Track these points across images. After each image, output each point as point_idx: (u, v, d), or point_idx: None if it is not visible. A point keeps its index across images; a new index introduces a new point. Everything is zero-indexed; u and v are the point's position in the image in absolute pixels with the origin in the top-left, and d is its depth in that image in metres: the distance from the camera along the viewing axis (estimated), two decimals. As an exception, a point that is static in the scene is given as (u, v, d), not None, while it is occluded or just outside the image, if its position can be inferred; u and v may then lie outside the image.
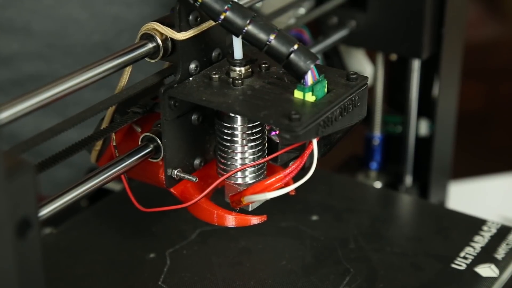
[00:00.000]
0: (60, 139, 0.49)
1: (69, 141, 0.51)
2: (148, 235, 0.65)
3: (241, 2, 0.52)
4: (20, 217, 0.40)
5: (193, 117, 0.55)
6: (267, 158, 0.55)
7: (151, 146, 0.54)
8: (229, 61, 0.53)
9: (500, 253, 0.62)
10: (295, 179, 0.52)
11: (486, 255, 0.62)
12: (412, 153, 0.80)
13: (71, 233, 0.65)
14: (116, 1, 0.84)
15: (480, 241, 0.64)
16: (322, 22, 0.76)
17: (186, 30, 0.52)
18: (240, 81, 0.52)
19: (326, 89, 0.51)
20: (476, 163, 1.39)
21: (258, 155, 0.55)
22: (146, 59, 0.53)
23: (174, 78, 0.53)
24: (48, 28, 0.84)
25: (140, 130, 0.55)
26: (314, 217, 0.67)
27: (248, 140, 0.54)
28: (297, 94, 0.51)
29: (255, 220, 0.55)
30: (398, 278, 0.60)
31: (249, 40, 0.51)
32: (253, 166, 0.55)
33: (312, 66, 0.50)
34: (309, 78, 0.50)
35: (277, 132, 0.56)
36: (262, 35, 0.50)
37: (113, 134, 0.55)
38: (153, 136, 0.54)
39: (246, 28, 0.50)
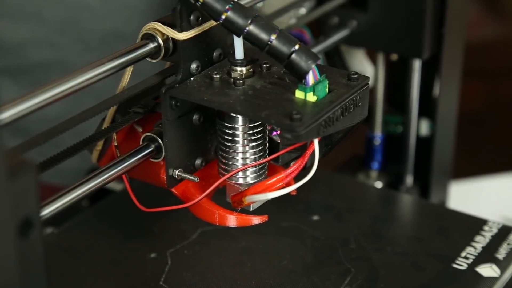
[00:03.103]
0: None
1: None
2: (149, 235, 0.65)
3: (242, 2, 0.52)
4: (22, 217, 0.40)
5: (194, 117, 0.55)
6: (268, 158, 0.55)
7: (152, 146, 0.54)
8: (230, 61, 0.53)
9: (501, 253, 0.62)
10: (296, 179, 0.52)
11: (487, 255, 0.62)
12: (413, 153, 0.80)
13: (72, 233, 0.65)
14: None
15: (481, 241, 0.64)
16: (323, 22, 0.76)
17: (187, 30, 0.52)
18: (241, 81, 0.52)
19: (327, 89, 0.51)
20: (477, 163, 1.39)
21: (259, 155, 0.55)
22: (147, 59, 0.53)
23: (175, 78, 0.53)
24: (59, 15, 0.84)
25: (141, 130, 0.56)
26: (315, 217, 0.67)
27: (249, 140, 0.54)
28: (298, 94, 0.51)
29: (256, 220, 0.55)
30: (399, 278, 0.60)
31: (250, 40, 0.51)
32: (254, 166, 0.55)
33: (313, 66, 0.50)
34: (310, 78, 0.50)
35: (278, 132, 0.56)
36: (263, 35, 0.50)
37: (115, 134, 0.55)
38: (154, 136, 0.54)
39: (247, 28, 0.50)
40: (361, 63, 0.79)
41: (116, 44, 0.85)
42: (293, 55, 0.50)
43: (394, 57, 0.78)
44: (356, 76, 0.53)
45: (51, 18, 0.84)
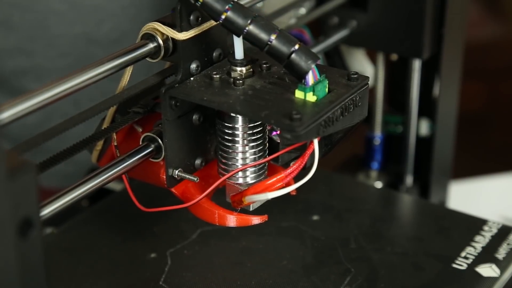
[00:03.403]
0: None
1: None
2: (149, 235, 0.65)
3: (242, 2, 0.52)
4: (21, 217, 0.40)
5: (194, 117, 0.55)
6: (268, 158, 0.55)
7: (152, 146, 0.54)
8: (230, 61, 0.53)
9: (501, 253, 0.62)
10: (296, 179, 0.52)
11: (487, 255, 0.62)
12: (413, 153, 0.80)
13: (72, 233, 0.65)
14: None
15: (481, 241, 0.64)
16: (323, 22, 0.76)
17: (187, 30, 0.52)
18: (241, 81, 0.52)
19: (327, 89, 0.51)
20: (476, 163, 1.40)
21: (259, 155, 0.55)
22: (147, 59, 0.53)
23: (175, 78, 0.53)
24: (28, 22, 0.84)
25: (141, 130, 0.56)
26: (315, 217, 0.67)
27: (249, 140, 0.54)
28: (298, 94, 0.51)
29: (256, 220, 0.55)
30: (399, 278, 0.60)
31: (250, 40, 0.51)
32: (254, 166, 0.55)
33: (313, 66, 0.50)
34: (310, 78, 0.50)
35: (278, 132, 0.56)
36: (263, 35, 0.50)
37: (114, 134, 0.55)
38: (154, 136, 0.54)
39: (247, 28, 0.50)
40: (361, 63, 0.79)
41: (88, 48, 0.85)
42: (293, 55, 0.50)
43: (394, 57, 0.78)
44: (356, 76, 0.53)
45: (20, 26, 0.84)
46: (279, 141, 0.56)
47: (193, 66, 0.53)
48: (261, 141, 0.55)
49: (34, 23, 0.84)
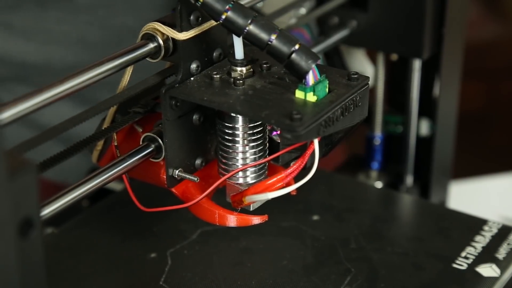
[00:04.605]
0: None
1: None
2: (149, 235, 0.65)
3: (242, 2, 0.52)
4: (22, 217, 0.40)
5: (194, 117, 0.55)
6: (268, 158, 0.55)
7: (153, 146, 0.54)
8: (230, 61, 0.53)
9: (501, 253, 0.62)
10: (296, 179, 0.52)
11: (487, 255, 0.62)
12: (413, 153, 0.80)
13: (72, 233, 0.65)
14: (164, 7, 0.84)
15: (481, 241, 0.64)
16: (323, 22, 0.76)
17: (187, 30, 0.52)
18: (241, 81, 0.52)
19: (327, 89, 0.51)
20: (476, 163, 1.40)
21: (259, 155, 0.55)
22: (147, 59, 0.53)
23: (175, 78, 0.53)
24: (103, 39, 0.85)
25: (141, 130, 0.56)
26: (315, 217, 0.67)
27: (249, 140, 0.54)
28: (299, 94, 0.51)
29: (256, 220, 0.55)
30: (399, 278, 0.60)
31: (250, 40, 0.51)
32: (254, 166, 0.55)
33: (314, 66, 0.50)
34: (311, 78, 0.50)
35: (279, 132, 0.56)
36: (263, 35, 0.50)
37: (115, 134, 0.55)
38: (155, 136, 0.54)
39: (247, 28, 0.50)
40: (361, 63, 0.79)
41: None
42: (293, 55, 0.50)
43: (394, 57, 0.78)
44: (356, 76, 0.53)
45: (95, 43, 0.85)
46: (279, 141, 0.56)
47: (193, 66, 0.53)
48: (261, 141, 0.55)
49: (108, 40, 0.85)
